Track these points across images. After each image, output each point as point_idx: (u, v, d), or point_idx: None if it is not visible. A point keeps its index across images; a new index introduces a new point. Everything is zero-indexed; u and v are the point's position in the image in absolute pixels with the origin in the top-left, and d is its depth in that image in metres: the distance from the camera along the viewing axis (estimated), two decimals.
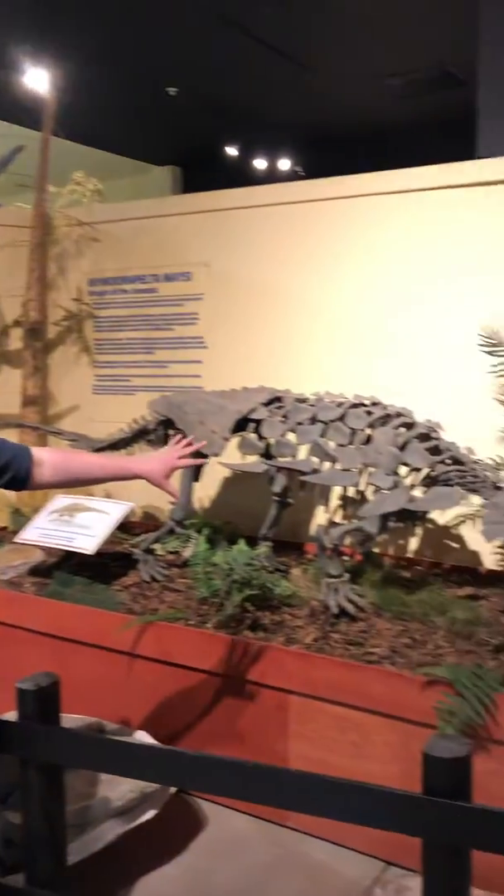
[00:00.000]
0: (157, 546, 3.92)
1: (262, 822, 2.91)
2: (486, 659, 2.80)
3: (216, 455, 3.31)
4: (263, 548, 3.53)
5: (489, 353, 3.63)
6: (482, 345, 3.63)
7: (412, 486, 3.07)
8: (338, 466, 3.11)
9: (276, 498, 3.67)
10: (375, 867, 2.68)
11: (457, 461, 3.07)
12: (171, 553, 4.06)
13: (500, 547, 3.88)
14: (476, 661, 2.78)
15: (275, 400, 3.48)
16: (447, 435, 3.25)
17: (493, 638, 2.91)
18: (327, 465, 3.16)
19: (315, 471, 3.14)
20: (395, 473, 3.02)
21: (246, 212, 4.47)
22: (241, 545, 3.41)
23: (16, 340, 5.05)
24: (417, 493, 3.11)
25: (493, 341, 3.60)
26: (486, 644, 2.90)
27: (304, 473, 3.18)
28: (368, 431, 3.14)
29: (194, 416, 3.41)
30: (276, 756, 2.86)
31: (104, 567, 3.83)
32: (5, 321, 5.09)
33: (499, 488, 3.01)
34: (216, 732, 3.02)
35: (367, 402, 3.28)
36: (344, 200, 4.17)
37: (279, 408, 3.37)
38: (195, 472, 3.67)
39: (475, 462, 3.10)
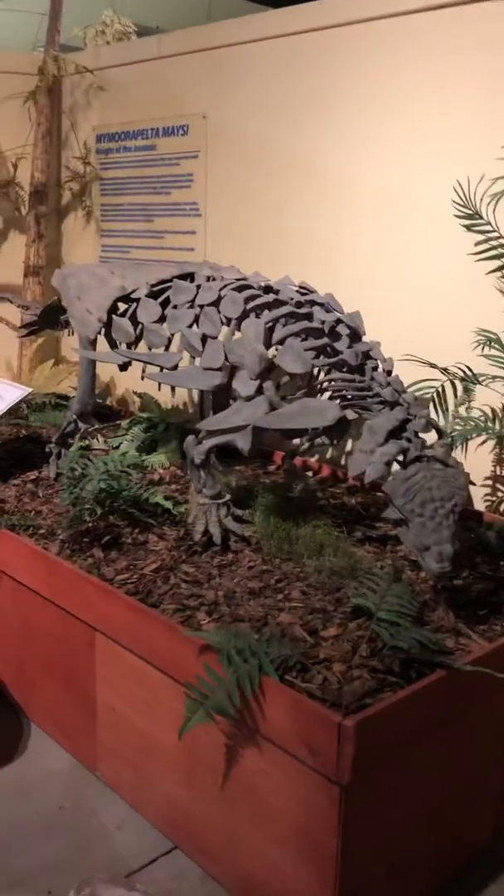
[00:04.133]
0: (92, 441, 3.51)
1: (77, 763, 2.56)
2: (334, 624, 2.18)
3: (90, 339, 2.78)
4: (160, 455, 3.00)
5: (466, 227, 2.77)
6: (458, 215, 2.77)
7: (286, 396, 2.40)
8: (199, 363, 2.49)
9: None
10: (161, 845, 2.25)
11: (351, 368, 2.35)
12: (116, 449, 3.64)
13: (488, 482, 3.11)
14: (321, 623, 2.17)
15: (186, 276, 2.85)
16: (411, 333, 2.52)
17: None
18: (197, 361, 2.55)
19: (177, 367, 2.54)
20: (264, 377, 2.36)
21: (244, 49, 3.69)
22: (129, 449, 2.93)
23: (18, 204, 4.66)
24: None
25: (469, 210, 2.73)
26: (345, 603, 2.26)
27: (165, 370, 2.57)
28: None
29: (74, 291, 2.87)
30: (86, 700, 2.45)
31: (24, 454, 3.50)
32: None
33: (395, 405, 2.28)
34: (35, 658, 2.67)
35: (264, 282, 2.59)
36: (362, 25, 3.23)
37: (170, 287, 2.74)
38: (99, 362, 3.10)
39: (376, 371, 2.37)
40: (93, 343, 2.83)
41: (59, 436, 3.16)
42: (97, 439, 3.66)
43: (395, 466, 2.22)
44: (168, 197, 4.16)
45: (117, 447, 3.55)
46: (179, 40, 3.96)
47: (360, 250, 3.30)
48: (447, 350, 2.89)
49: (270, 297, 2.48)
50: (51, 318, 3.23)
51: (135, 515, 2.70)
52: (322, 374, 2.45)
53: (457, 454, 3.13)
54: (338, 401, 2.34)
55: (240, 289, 2.53)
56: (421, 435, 2.20)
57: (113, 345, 2.86)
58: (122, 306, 2.92)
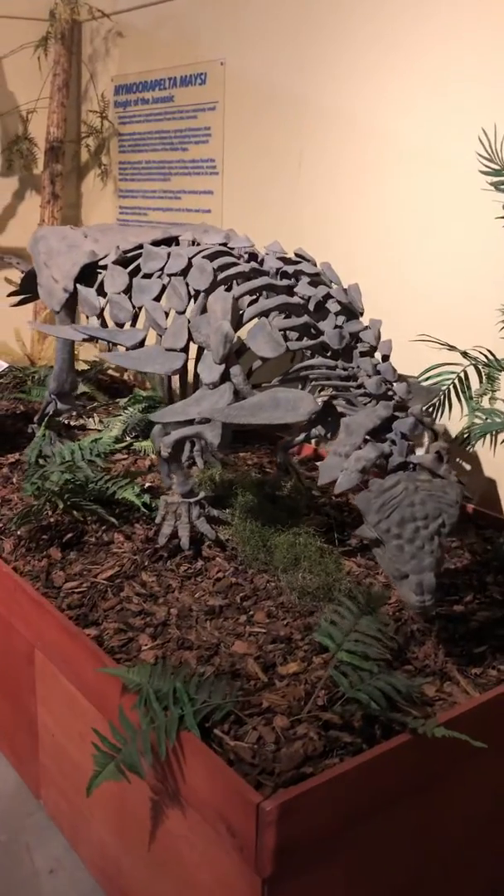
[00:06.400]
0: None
1: (24, 785, 2.30)
2: (296, 658, 1.84)
3: (56, 311, 2.46)
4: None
5: (493, 185, 2.32)
6: (483, 171, 2.33)
7: (257, 386, 2.04)
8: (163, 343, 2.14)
9: None
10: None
11: (334, 353, 1.98)
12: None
13: None
14: (281, 655, 1.84)
15: (169, 241, 2.50)
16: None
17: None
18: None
19: (140, 346, 2.20)
20: (231, 361, 2.00)
21: None
22: (104, 436, 2.62)
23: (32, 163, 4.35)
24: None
25: (496, 166, 2.29)
26: (316, 630, 1.91)
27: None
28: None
29: (43, 257, 2.55)
30: (30, 720, 2.18)
31: (13, 433, 3.23)
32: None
33: (382, 398, 1.89)
34: None
35: (248, 249, 2.22)
36: None
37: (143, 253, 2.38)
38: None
39: (366, 357, 1.99)
40: (65, 313, 2.51)
41: (40, 416, 2.88)
42: (93, 419, 3.38)
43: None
44: (185, 153, 3.80)
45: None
46: None
47: (383, 212, 2.89)
48: (468, 330, 2.48)
49: (247, 266, 2.11)
50: (34, 285, 2.93)
51: (97, 512, 2.39)
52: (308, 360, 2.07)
53: (481, 451, 2.73)
54: (319, 391, 1.97)
55: (212, 256, 2.16)
56: (410, 437, 1.82)
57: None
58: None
